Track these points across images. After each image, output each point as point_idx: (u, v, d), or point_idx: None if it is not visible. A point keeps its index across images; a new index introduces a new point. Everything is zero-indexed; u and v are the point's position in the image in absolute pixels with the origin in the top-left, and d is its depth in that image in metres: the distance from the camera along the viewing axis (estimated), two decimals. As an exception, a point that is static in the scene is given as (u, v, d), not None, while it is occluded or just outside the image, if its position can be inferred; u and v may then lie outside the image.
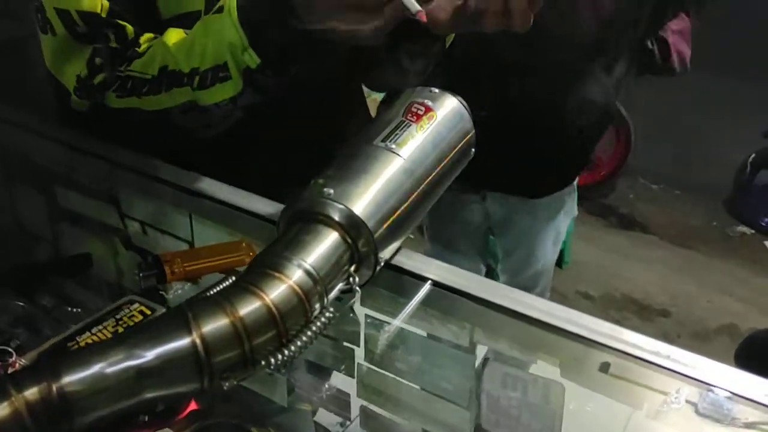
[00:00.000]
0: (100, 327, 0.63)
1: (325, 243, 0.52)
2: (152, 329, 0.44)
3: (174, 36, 0.73)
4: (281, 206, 0.69)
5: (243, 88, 0.68)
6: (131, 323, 0.62)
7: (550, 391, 0.59)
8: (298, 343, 0.48)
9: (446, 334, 0.62)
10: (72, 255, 0.88)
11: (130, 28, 0.76)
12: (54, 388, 0.40)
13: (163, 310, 0.65)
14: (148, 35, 0.76)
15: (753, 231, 3.86)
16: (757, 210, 3.86)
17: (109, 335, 0.62)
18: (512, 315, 0.58)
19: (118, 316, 0.64)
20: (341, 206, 0.53)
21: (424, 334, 0.65)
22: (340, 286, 0.53)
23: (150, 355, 0.42)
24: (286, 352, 0.47)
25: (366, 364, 0.69)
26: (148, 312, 0.64)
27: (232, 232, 0.74)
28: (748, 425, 0.50)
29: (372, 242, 0.54)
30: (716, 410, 0.51)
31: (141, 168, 0.80)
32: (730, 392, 0.50)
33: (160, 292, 0.68)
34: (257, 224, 0.70)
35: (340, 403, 0.79)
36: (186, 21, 0.76)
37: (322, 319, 0.50)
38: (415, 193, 0.59)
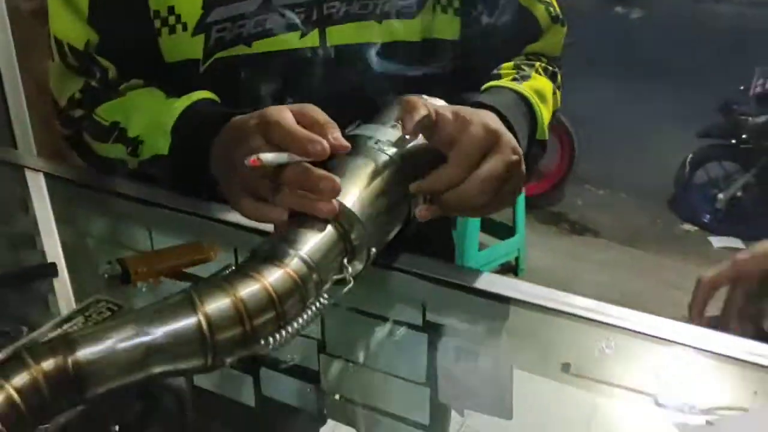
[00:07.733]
0: (71, 324, 0.65)
1: (320, 235, 0.57)
2: (161, 309, 0.48)
3: (146, 97, 0.78)
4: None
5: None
6: (101, 319, 0.64)
7: (499, 363, 0.64)
8: (295, 325, 0.52)
9: (399, 314, 0.67)
10: (36, 264, 0.88)
11: (112, 70, 0.81)
12: (69, 360, 0.43)
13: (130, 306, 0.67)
14: (135, 82, 0.81)
15: (696, 228, 4.01)
16: (698, 207, 4.04)
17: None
18: (463, 290, 0.63)
19: (87, 314, 0.66)
20: (336, 201, 0.58)
21: (378, 317, 0.69)
22: (334, 275, 0.58)
23: (158, 332, 0.46)
24: (283, 332, 0.51)
25: (326, 354, 0.72)
26: (116, 308, 0.66)
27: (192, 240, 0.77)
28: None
29: (365, 236, 0.59)
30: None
31: (101, 185, 0.83)
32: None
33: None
34: (218, 229, 0.73)
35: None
36: (189, 67, 0.80)
37: (317, 305, 0.55)
38: (405, 192, 0.64)
